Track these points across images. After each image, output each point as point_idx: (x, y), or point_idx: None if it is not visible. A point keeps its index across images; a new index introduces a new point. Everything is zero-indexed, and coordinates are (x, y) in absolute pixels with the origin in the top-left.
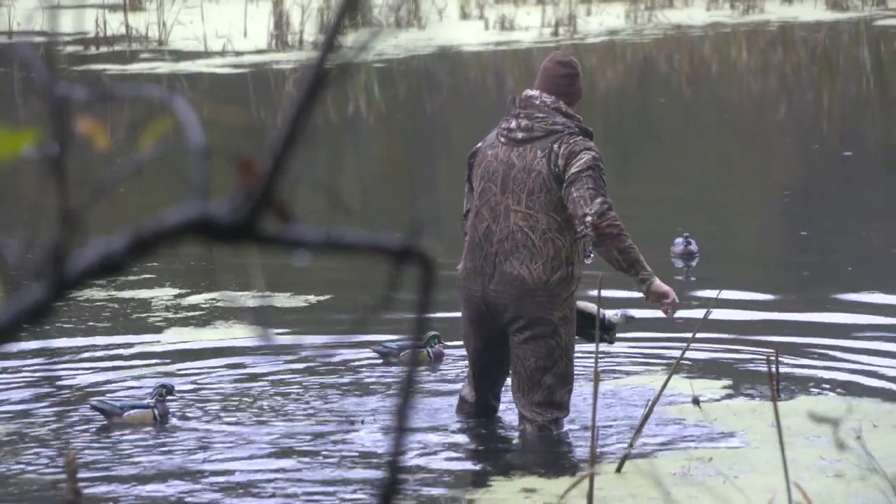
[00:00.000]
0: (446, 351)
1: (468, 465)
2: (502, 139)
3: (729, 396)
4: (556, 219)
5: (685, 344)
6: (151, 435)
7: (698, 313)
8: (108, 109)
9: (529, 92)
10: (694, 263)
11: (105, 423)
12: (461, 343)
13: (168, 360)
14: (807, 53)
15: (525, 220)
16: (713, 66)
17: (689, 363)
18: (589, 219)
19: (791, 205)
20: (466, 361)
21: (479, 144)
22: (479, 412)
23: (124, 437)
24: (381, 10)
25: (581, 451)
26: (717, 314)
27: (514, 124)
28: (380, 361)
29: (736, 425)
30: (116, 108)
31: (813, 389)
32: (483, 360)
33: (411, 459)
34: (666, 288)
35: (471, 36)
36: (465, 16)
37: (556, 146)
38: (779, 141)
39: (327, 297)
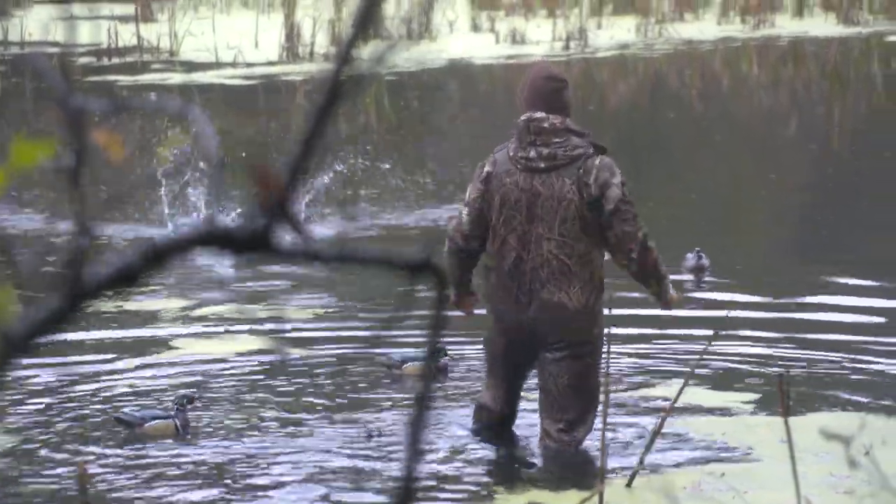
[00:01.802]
0: (450, 363)
1: (475, 478)
2: (519, 166)
3: (740, 411)
4: (589, 242)
5: (696, 358)
6: (172, 445)
7: (710, 327)
8: (119, 120)
9: (536, 115)
10: (705, 278)
11: (126, 434)
12: (463, 353)
13: (181, 371)
14: (817, 68)
15: (560, 248)
16: (724, 81)
17: (700, 376)
18: (634, 255)
19: (802, 219)
20: (478, 373)
21: (489, 168)
22: (498, 418)
23: (145, 448)
24: (392, 23)
25: (591, 464)
26: (729, 327)
27: (532, 153)
28: (384, 373)
29: (747, 440)
30: (127, 118)
31: (824, 405)
32: (508, 372)
33: (421, 472)
34: (676, 294)
35: (482, 49)
36: (475, 28)
37: (582, 173)
38: (789, 155)
39: (338, 309)
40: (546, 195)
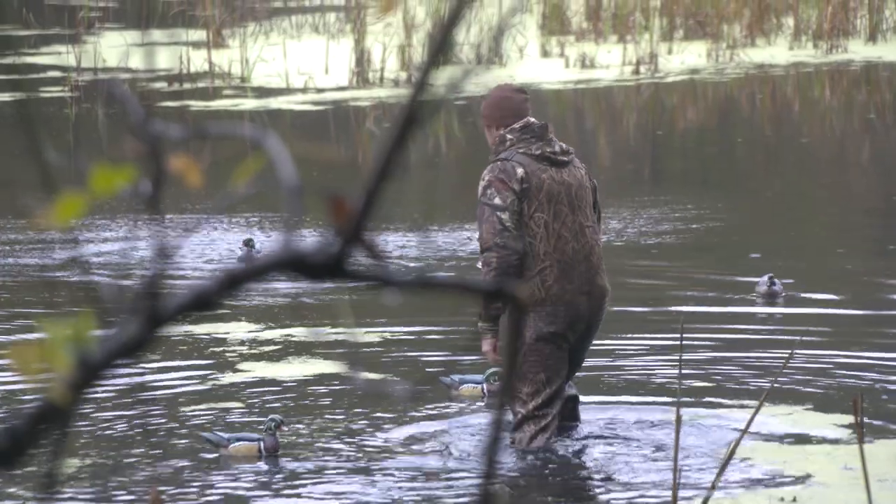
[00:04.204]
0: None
1: (538, 498)
2: (546, 162)
3: (810, 436)
4: None
5: (770, 380)
6: (251, 468)
7: (783, 350)
8: (191, 146)
9: (533, 120)
10: (778, 303)
11: (209, 454)
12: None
13: (254, 394)
14: (891, 93)
15: (594, 233)
16: (795, 106)
17: (773, 398)
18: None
19: (875, 242)
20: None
21: (522, 169)
22: (558, 417)
23: (225, 470)
24: (462, 49)
25: (662, 488)
26: (802, 352)
27: (557, 148)
28: (447, 394)
29: (813, 466)
30: (199, 145)
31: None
32: (563, 367)
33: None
34: None
35: (551, 74)
36: (545, 54)
37: (581, 162)
38: (862, 181)
39: (411, 331)
40: (576, 185)
